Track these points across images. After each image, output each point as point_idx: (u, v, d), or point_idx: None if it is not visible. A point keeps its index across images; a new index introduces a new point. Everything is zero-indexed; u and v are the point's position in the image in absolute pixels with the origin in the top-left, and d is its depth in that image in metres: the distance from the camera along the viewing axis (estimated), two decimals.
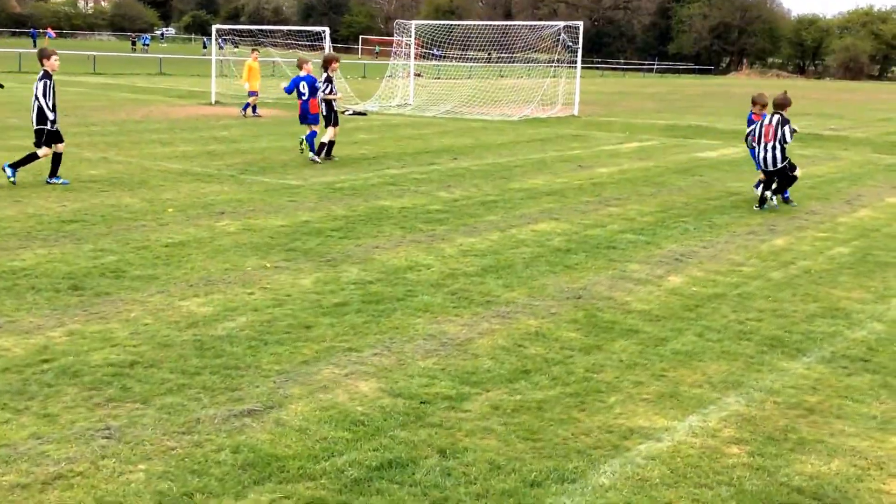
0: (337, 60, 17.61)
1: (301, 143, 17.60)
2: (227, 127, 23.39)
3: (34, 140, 13.22)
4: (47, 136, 13.14)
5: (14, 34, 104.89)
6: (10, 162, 13.21)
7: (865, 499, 4.56)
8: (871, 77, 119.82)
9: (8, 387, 5.56)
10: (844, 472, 4.85)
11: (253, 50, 29.27)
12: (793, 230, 11.66)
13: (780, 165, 12.88)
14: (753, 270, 9.39)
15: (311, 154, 17.07)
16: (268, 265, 8.95)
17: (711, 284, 8.74)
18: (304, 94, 17.23)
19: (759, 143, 13.00)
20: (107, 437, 4.92)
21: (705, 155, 20.18)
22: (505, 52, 38.08)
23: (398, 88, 33.72)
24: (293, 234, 10.51)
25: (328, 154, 17.27)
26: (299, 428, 5.17)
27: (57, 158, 13.41)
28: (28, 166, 13.26)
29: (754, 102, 13.91)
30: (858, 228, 11.97)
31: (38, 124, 13.09)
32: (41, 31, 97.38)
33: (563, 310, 7.74)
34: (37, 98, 12.95)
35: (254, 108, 26.77)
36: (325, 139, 17.24)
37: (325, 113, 17.14)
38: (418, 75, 38.78)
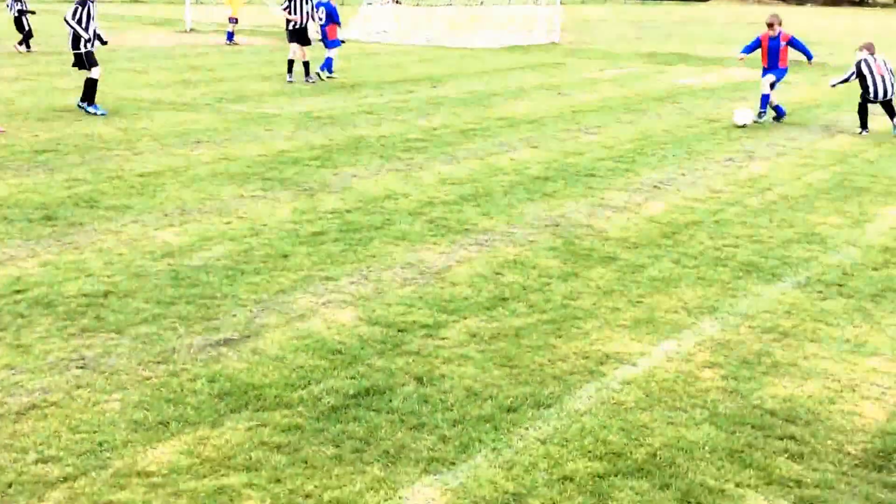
0: None
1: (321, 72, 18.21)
2: (203, 55, 22.94)
3: (75, 64, 13.16)
4: (85, 57, 12.94)
5: None
6: (80, 98, 13.15)
7: (838, 420, 4.63)
8: (851, 3, 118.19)
9: None
10: (817, 395, 4.91)
11: None
12: (771, 156, 11.65)
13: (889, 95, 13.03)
14: (731, 197, 9.39)
15: (326, 74, 18.12)
16: (244, 194, 8.86)
17: (689, 211, 8.75)
18: (321, 20, 17.96)
19: (871, 75, 12.99)
20: (81, 367, 4.90)
21: (685, 82, 20.01)
22: None
23: (377, 15, 33.08)
24: (270, 163, 10.39)
25: (289, 71, 17.81)
26: (276, 357, 5.16)
27: (91, 84, 13.16)
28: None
29: (770, 25, 13.97)
30: (837, 154, 11.96)
31: (73, 49, 13.00)
32: None
33: (542, 237, 7.73)
34: (66, 22, 12.81)
35: (231, 34, 26.20)
36: (288, 56, 17.80)
37: (288, 29, 17.60)
38: (398, 2, 38.01)
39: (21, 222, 7.59)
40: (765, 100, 14.16)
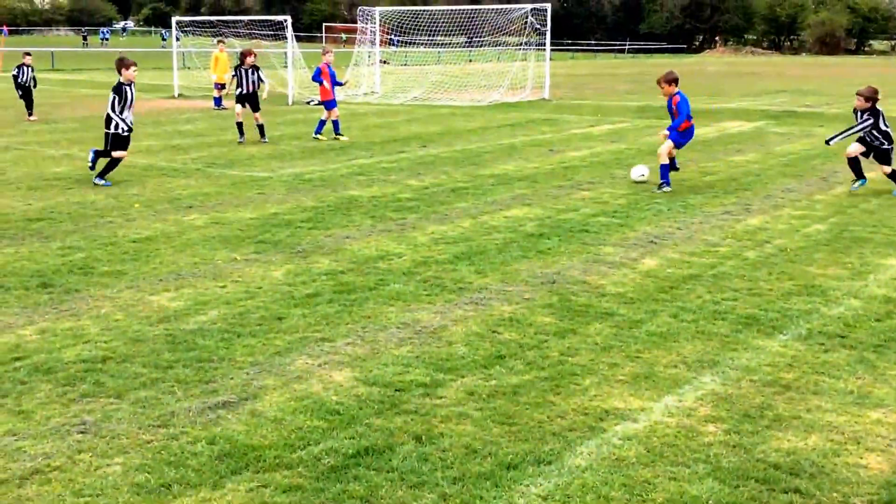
0: (251, 55, 18.87)
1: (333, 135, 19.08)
2: (192, 120, 23.18)
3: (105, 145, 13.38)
4: (112, 139, 13.20)
5: None
6: (96, 175, 13.29)
7: (843, 473, 4.63)
8: (847, 51, 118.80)
9: None
10: (821, 448, 4.92)
11: (219, 41, 29.01)
12: (768, 209, 11.76)
13: None
14: (729, 250, 9.46)
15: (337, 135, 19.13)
16: (237, 258, 8.91)
17: (686, 266, 8.81)
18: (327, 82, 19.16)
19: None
20: (82, 432, 4.88)
21: None
22: (473, 37, 37.98)
23: (364, 77, 33.55)
24: (263, 226, 10.45)
25: (240, 132, 18.62)
26: (274, 418, 5.15)
27: (113, 162, 13.36)
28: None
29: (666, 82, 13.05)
30: (835, 205, 12.07)
31: (105, 128, 13.27)
32: None
33: (537, 295, 7.77)
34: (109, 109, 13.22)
35: (218, 100, 26.52)
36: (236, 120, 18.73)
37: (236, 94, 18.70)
38: (384, 62, 38.59)
39: (18, 290, 7.60)
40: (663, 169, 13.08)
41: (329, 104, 19.27)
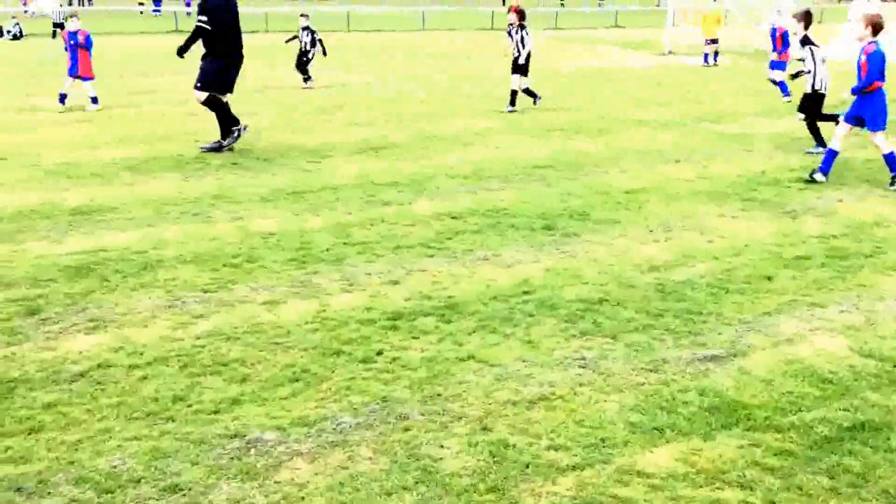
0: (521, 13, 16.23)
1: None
2: (681, 74, 23.24)
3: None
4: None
5: None
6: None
7: None
8: None
9: (497, 313, 6.25)
10: None
11: None
12: None
13: None
14: None
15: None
16: (724, 214, 8.88)
17: None
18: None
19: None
20: (582, 367, 5.34)
21: None
22: None
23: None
24: (749, 182, 10.27)
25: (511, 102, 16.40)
26: (763, 378, 5.14)
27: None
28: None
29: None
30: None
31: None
32: None
33: None
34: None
35: (707, 56, 26.14)
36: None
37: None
38: None
39: (524, 230, 8.42)
40: None
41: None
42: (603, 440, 4.45)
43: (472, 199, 9.56)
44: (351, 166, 11.36)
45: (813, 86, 12.02)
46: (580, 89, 19.81)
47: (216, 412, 4.76)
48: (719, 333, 5.84)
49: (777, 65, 18.06)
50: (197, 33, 12.23)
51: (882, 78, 10.07)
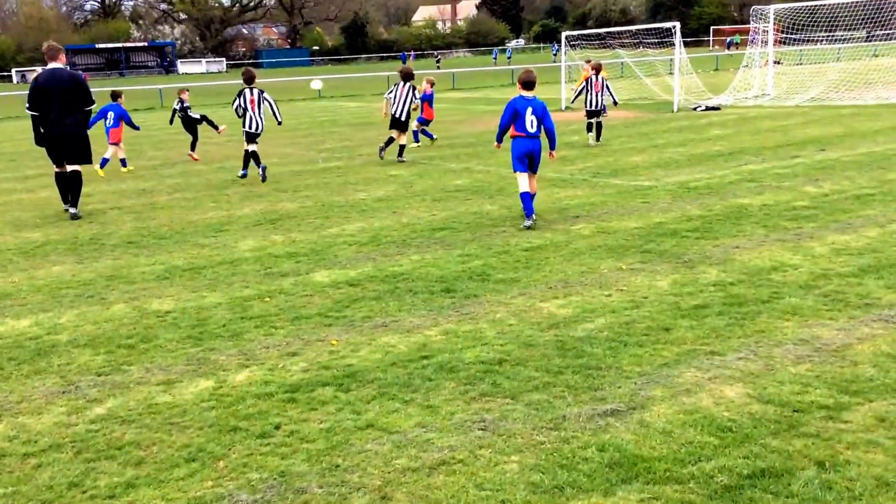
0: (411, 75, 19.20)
1: None
2: (577, 132, 23.78)
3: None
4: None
5: (382, 58, 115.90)
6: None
7: None
8: None
9: (396, 379, 6.11)
10: None
11: (587, 61, 29.42)
12: None
13: None
14: None
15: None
16: (623, 267, 8.97)
17: None
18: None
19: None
20: (482, 429, 5.23)
21: None
22: (880, 29, 34.60)
23: (755, 78, 32.12)
24: (647, 235, 10.43)
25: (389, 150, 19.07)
26: (663, 430, 5.11)
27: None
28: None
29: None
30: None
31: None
32: (408, 53, 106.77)
33: None
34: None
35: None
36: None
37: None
38: (777, 62, 36.65)
39: (424, 294, 8.33)
40: None
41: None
42: (503, 502, 4.32)
43: (371, 266, 9.47)
44: (248, 240, 11.22)
45: None
46: (479, 151, 20.04)
47: (111, 497, 4.62)
48: (619, 387, 5.81)
49: None
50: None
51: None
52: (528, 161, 11.44)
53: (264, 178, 16.41)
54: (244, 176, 16.73)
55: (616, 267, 9.01)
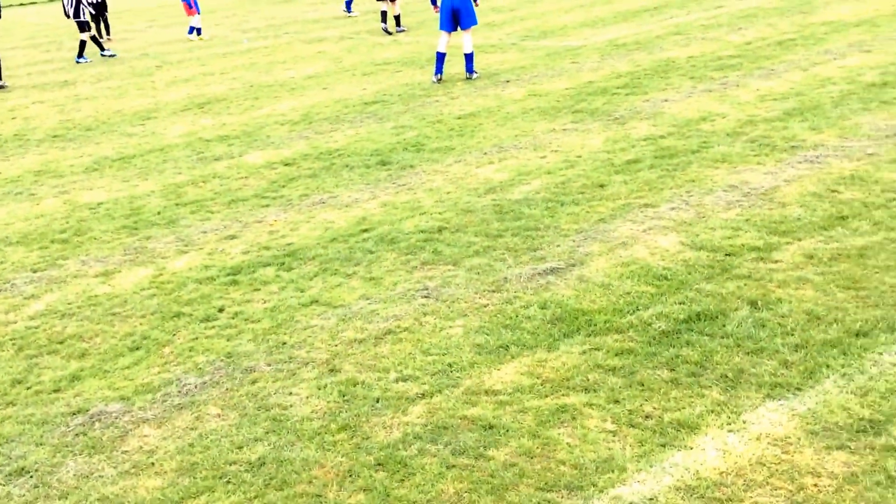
0: None
1: None
2: None
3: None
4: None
5: None
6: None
7: None
8: None
9: (337, 254, 6.12)
10: None
11: None
12: None
13: None
14: None
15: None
16: (556, 128, 8.97)
17: None
18: None
19: None
20: (426, 297, 5.29)
21: None
22: None
23: None
24: (578, 95, 10.41)
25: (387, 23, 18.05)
26: (602, 283, 5.23)
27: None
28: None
29: None
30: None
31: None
32: None
33: (883, 149, 7.09)
34: None
35: None
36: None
37: None
38: None
39: (360, 168, 8.26)
40: None
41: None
42: (450, 365, 4.43)
43: (304, 144, 9.32)
44: (177, 126, 10.92)
45: None
46: (409, 21, 19.55)
47: (56, 391, 4.61)
48: (557, 246, 5.90)
49: None
50: None
51: None
52: (452, 16, 11.55)
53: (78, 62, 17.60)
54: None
55: (549, 129, 9.00)
